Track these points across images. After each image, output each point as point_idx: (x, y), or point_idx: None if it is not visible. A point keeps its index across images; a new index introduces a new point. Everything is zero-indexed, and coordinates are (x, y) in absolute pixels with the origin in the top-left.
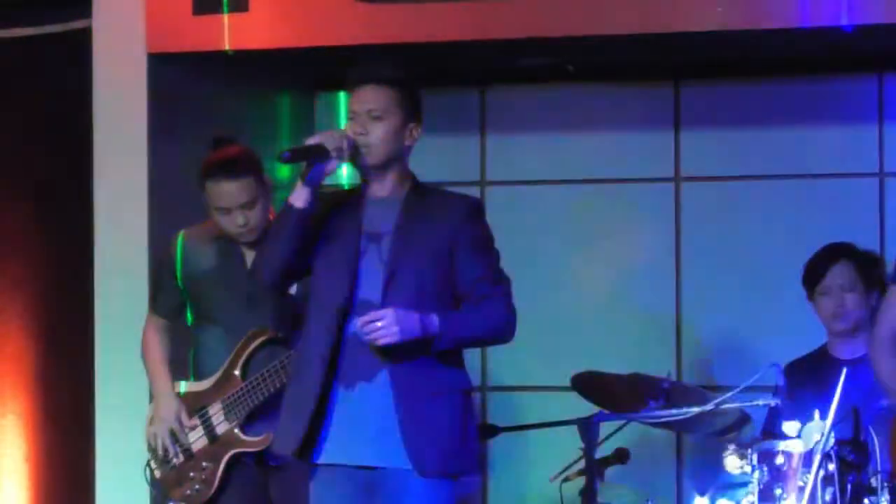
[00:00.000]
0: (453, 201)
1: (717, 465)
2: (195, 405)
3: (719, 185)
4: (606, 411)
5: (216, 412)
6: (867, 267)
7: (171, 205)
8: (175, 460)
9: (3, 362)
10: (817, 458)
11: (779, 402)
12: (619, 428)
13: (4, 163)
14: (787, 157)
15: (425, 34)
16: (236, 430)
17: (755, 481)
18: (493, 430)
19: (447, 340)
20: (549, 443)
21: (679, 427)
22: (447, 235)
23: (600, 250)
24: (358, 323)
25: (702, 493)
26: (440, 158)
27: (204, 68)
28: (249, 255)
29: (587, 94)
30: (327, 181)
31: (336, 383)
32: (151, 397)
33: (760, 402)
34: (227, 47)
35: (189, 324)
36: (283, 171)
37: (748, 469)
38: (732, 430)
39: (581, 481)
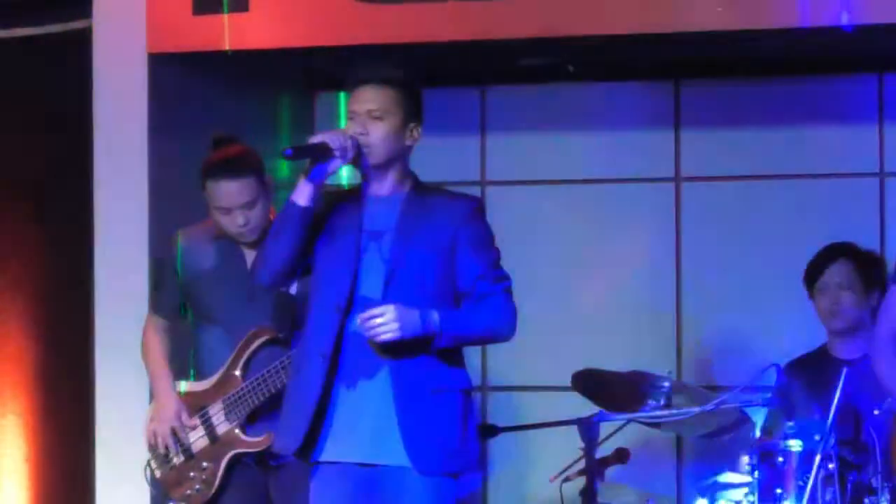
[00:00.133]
0: (454, 200)
1: (717, 465)
2: (196, 405)
3: (719, 185)
4: (606, 411)
5: (217, 412)
6: (867, 267)
7: (171, 205)
8: (175, 460)
9: (3, 362)
10: (817, 458)
11: (779, 402)
12: (620, 428)
13: (4, 163)
14: (787, 157)
15: (425, 34)
16: (237, 431)
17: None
18: (493, 430)
19: (447, 338)
20: (549, 443)
21: (679, 427)
22: (448, 234)
23: (600, 250)
24: (358, 319)
25: (703, 495)
26: (440, 158)
27: (204, 68)
28: (250, 255)
29: (587, 94)
30: (327, 181)
31: (337, 381)
32: (152, 397)
33: (760, 402)
34: (227, 47)
35: (189, 323)
36: (284, 171)
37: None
38: (732, 430)
39: (581, 481)
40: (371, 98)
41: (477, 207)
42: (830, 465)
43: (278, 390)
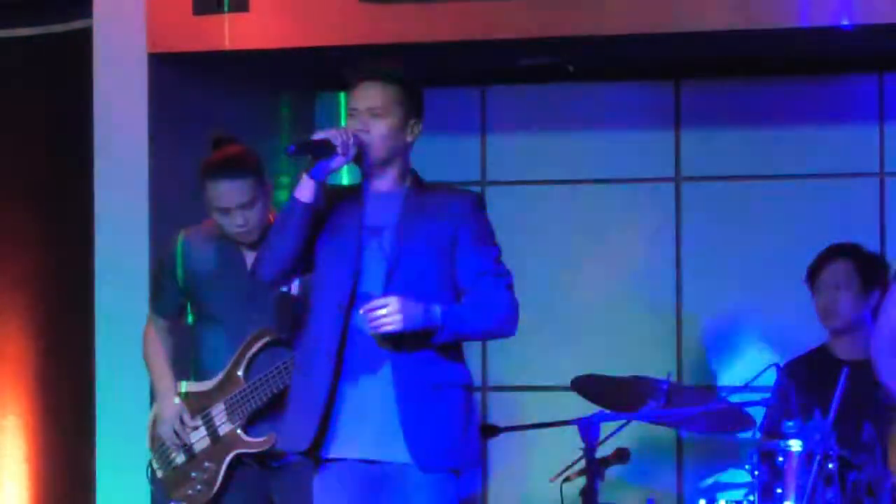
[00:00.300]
0: (454, 196)
1: (718, 465)
2: (198, 405)
3: (719, 185)
4: (607, 411)
5: (219, 413)
6: (866, 266)
7: (171, 205)
8: (177, 460)
9: (4, 362)
10: (818, 458)
11: (779, 401)
12: (620, 427)
13: (4, 163)
14: (787, 157)
15: (425, 34)
16: (239, 431)
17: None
18: (493, 430)
19: (449, 332)
20: (549, 443)
21: (679, 427)
22: (449, 230)
23: (600, 250)
24: (361, 311)
25: (704, 496)
26: (440, 158)
27: (204, 68)
28: (250, 256)
29: (587, 94)
30: (329, 178)
31: (341, 379)
32: (152, 397)
33: (760, 402)
34: (227, 47)
35: (190, 324)
36: (284, 172)
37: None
38: (732, 429)
39: (581, 481)
40: (371, 95)
41: (477, 203)
42: (830, 465)
43: (280, 391)
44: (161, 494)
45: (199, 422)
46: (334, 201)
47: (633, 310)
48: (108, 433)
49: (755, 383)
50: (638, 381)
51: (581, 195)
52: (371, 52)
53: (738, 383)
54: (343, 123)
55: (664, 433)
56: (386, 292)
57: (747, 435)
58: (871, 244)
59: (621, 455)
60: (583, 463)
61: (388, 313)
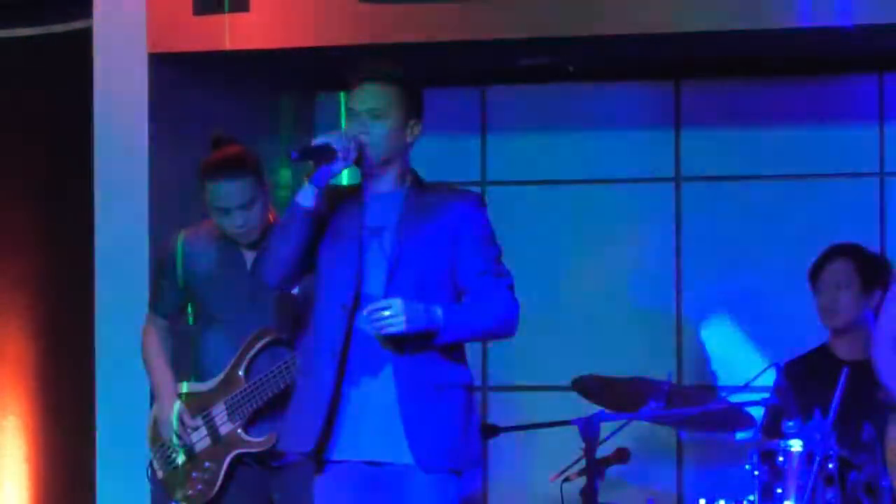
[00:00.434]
0: (455, 196)
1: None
2: (199, 406)
3: (719, 185)
4: (607, 411)
5: (219, 413)
6: (867, 266)
7: (171, 205)
8: (178, 460)
9: (4, 363)
10: (818, 458)
11: (779, 401)
12: (620, 427)
13: (4, 163)
14: (787, 157)
15: (425, 34)
16: (239, 431)
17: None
18: (494, 430)
19: (450, 334)
20: (549, 443)
21: (679, 427)
22: (449, 230)
23: (600, 250)
24: (364, 312)
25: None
26: (441, 158)
27: (204, 68)
28: (249, 256)
29: (587, 94)
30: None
31: (345, 380)
32: (152, 397)
33: (760, 402)
34: (227, 47)
35: (190, 324)
36: (284, 171)
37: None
38: (732, 429)
39: (582, 481)
40: (371, 97)
41: (478, 203)
42: (830, 465)
43: (281, 391)
44: (162, 495)
45: (199, 422)
46: (335, 202)
47: (633, 310)
48: (108, 433)
49: (755, 383)
50: (638, 381)
51: (581, 195)
52: (371, 52)
53: (738, 383)
54: (343, 124)
55: (664, 433)
56: (387, 292)
57: (747, 435)
58: (871, 244)
59: (621, 455)
60: (583, 463)
61: (391, 315)
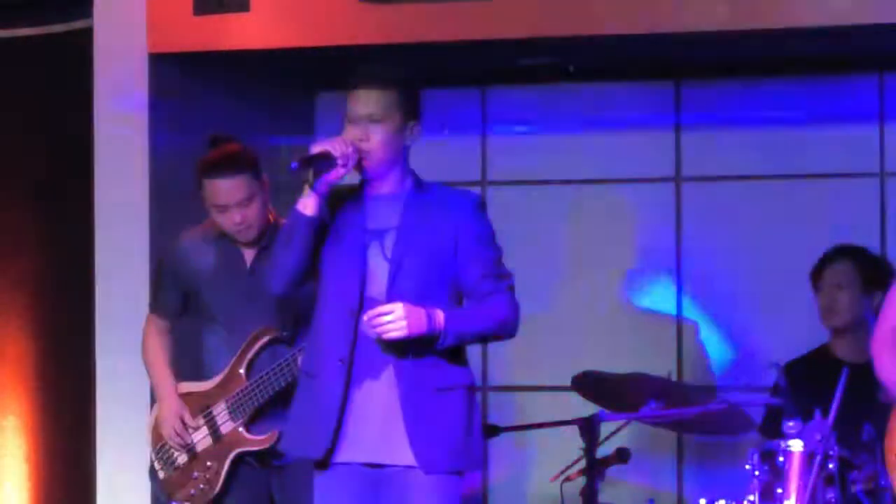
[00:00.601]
0: (455, 197)
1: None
2: (199, 405)
3: (719, 185)
4: (607, 410)
5: (220, 411)
6: (868, 267)
7: (171, 205)
8: (179, 460)
9: (4, 363)
10: (818, 458)
11: (779, 401)
12: (620, 427)
13: (4, 163)
14: (787, 157)
15: (425, 34)
16: (240, 430)
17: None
18: (494, 430)
19: (452, 337)
20: (549, 443)
21: (679, 427)
22: (450, 232)
23: (600, 250)
24: (365, 317)
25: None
26: (440, 158)
27: (204, 68)
28: (249, 254)
29: (587, 94)
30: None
31: (350, 384)
32: (152, 397)
33: (760, 402)
34: (227, 47)
35: (190, 324)
36: (282, 170)
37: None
38: (732, 429)
39: (582, 481)
40: (369, 101)
41: (478, 204)
42: (830, 466)
43: (282, 388)
44: (164, 495)
45: (200, 421)
46: (336, 205)
47: (633, 310)
48: (108, 433)
49: (755, 383)
50: (638, 379)
51: (581, 195)
52: (371, 52)
53: (738, 383)
54: (342, 126)
55: (664, 433)
56: (388, 295)
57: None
58: (871, 244)
59: (621, 455)
60: (583, 463)
61: (393, 320)
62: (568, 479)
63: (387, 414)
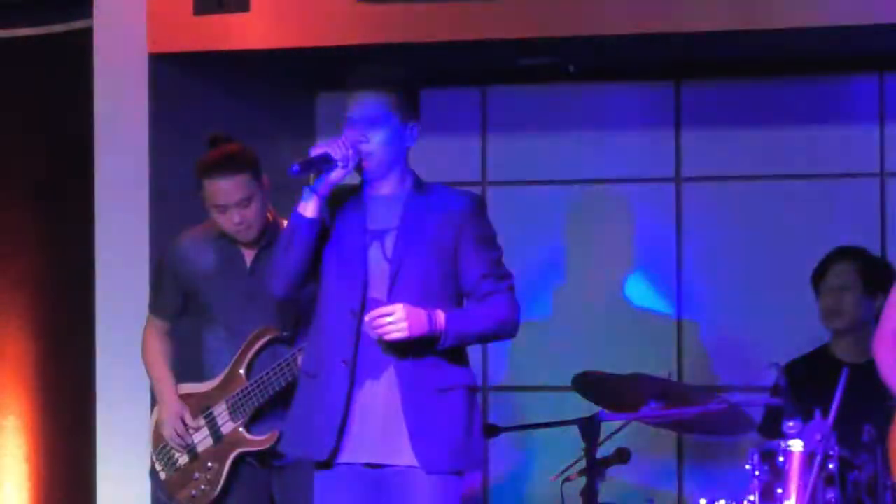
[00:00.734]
0: (455, 198)
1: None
2: (200, 406)
3: (719, 185)
4: (607, 411)
5: (221, 412)
6: (870, 269)
7: (171, 205)
8: (180, 461)
9: (4, 363)
10: (818, 458)
11: (779, 401)
12: (620, 427)
13: (4, 163)
14: (787, 157)
15: (425, 34)
16: (241, 430)
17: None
18: (494, 430)
19: (452, 338)
20: (549, 443)
21: (679, 427)
22: (451, 232)
23: (600, 250)
24: (366, 318)
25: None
26: (440, 158)
27: (204, 68)
28: (249, 255)
29: (587, 94)
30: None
31: (353, 385)
32: (152, 397)
33: (760, 402)
34: (227, 47)
35: (190, 324)
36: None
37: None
38: (732, 429)
39: (582, 481)
40: (368, 104)
41: (479, 205)
42: (831, 466)
43: (283, 388)
44: (165, 496)
45: (201, 422)
46: (336, 206)
47: (633, 310)
48: (108, 433)
49: (755, 383)
50: (638, 379)
51: (581, 195)
52: (371, 52)
53: (738, 383)
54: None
55: (664, 433)
56: (389, 296)
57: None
58: (871, 244)
59: (621, 455)
60: (583, 463)
61: (394, 321)
62: (568, 479)
63: (388, 414)
